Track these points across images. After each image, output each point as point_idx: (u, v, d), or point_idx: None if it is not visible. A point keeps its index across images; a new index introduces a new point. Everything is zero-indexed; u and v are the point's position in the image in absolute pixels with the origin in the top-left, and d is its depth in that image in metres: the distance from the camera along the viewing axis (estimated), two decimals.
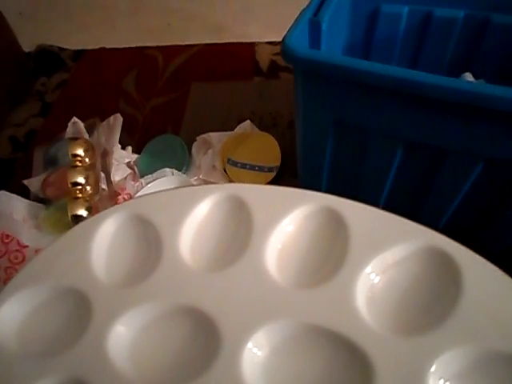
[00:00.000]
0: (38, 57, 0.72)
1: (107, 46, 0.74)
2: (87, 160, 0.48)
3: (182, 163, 0.50)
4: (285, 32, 0.29)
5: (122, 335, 0.24)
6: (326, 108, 0.31)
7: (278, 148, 0.51)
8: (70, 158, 0.48)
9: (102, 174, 0.48)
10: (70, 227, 0.27)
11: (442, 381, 0.20)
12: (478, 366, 0.21)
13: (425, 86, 0.24)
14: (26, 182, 0.49)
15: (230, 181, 0.49)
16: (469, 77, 0.40)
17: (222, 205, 0.27)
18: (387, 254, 0.24)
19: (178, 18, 0.73)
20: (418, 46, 0.42)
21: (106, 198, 0.47)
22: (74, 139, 0.49)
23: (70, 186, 0.45)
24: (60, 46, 0.74)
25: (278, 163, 0.49)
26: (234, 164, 0.50)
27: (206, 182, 0.49)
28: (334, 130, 0.32)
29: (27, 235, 0.44)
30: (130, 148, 0.52)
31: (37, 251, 0.43)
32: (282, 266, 0.25)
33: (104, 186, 0.48)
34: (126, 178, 0.49)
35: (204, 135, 0.53)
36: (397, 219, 0.25)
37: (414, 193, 0.35)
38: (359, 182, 0.36)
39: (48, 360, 0.23)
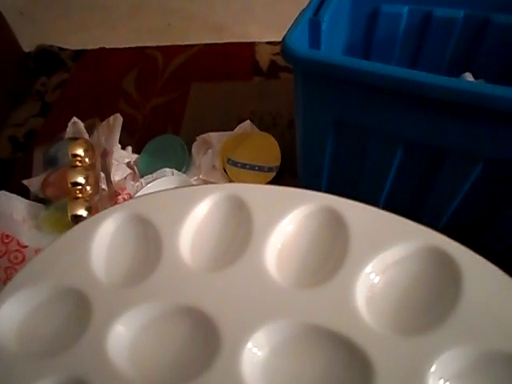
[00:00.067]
0: (37, 57, 0.72)
1: (107, 46, 0.74)
2: (87, 160, 0.48)
3: (182, 163, 0.50)
4: (285, 32, 0.29)
5: (122, 335, 0.24)
6: (326, 108, 0.31)
7: (278, 148, 0.51)
8: (70, 157, 0.48)
9: (102, 174, 0.48)
10: (70, 227, 0.27)
11: (441, 381, 0.20)
12: (478, 366, 0.21)
13: (425, 86, 0.24)
14: (25, 182, 0.49)
15: (230, 181, 0.49)
16: (469, 77, 0.40)
17: (222, 205, 0.27)
18: (387, 254, 0.24)
19: (178, 17, 0.73)
20: (417, 46, 0.42)
21: (105, 198, 0.47)
22: (74, 139, 0.49)
23: (69, 185, 0.45)
24: (60, 46, 0.74)
25: (277, 163, 0.49)
26: (234, 164, 0.50)
27: (206, 182, 0.49)
28: (334, 130, 0.32)
29: (27, 235, 0.44)
30: (129, 148, 0.52)
31: (37, 251, 0.43)
32: (282, 265, 0.25)
33: (104, 186, 0.48)
34: (125, 178, 0.49)
35: (204, 135, 0.53)
36: (397, 219, 0.25)
37: (414, 193, 0.35)
38: (359, 182, 0.36)
39: (48, 360, 0.23)
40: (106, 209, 0.28)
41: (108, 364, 0.22)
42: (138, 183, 0.47)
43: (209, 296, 0.24)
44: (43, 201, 0.47)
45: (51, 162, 0.49)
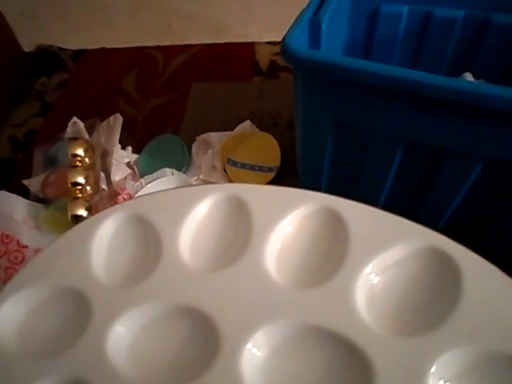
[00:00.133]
0: (37, 57, 0.72)
1: (107, 46, 0.74)
2: (87, 160, 0.48)
3: (182, 163, 0.50)
4: (285, 32, 0.29)
5: (122, 335, 0.24)
6: (326, 108, 0.31)
7: (278, 148, 0.51)
8: (70, 158, 0.47)
9: (102, 174, 0.48)
10: (70, 227, 0.27)
11: (441, 381, 0.20)
12: (478, 366, 0.21)
13: (425, 86, 0.24)
14: (25, 181, 0.49)
15: (230, 181, 0.49)
16: (469, 77, 0.40)
17: (222, 205, 0.27)
18: (387, 254, 0.24)
19: (178, 17, 0.73)
20: (417, 45, 0.42)
21: (105, 198, 0.47)
22: (74, 139, 0.49)
23: (69, 186, 0.45)
24: (60, 45, 0.74)
25: (277, 163, 0.49)
26: (234, 164, 0.50)
27: (206, 182, 0.49)
28: (334, 130, 0.32)
29: (27, 235, 0.44)
30: (129, 148, 0.52)
31: (36, 251, 0.43)
32: (282, 266, 0.25)
33: (104, 186, 0.47)
34: (125, 177, 0.49)
35: (204, 135, 0.53)
36: (396, 219, 0.25)
37: (414, 193, 0.35)
38: (359, 182, 0.36)
39: (48, 360, 0.23)
40: (105, 209, 0.28)
41: (108, 364, 0.22)
42: (138, 183, 0.47)
43: (209, 296, 0.24)
44: (43, 201, 0.47)
45: (51, 162, 0.49)
